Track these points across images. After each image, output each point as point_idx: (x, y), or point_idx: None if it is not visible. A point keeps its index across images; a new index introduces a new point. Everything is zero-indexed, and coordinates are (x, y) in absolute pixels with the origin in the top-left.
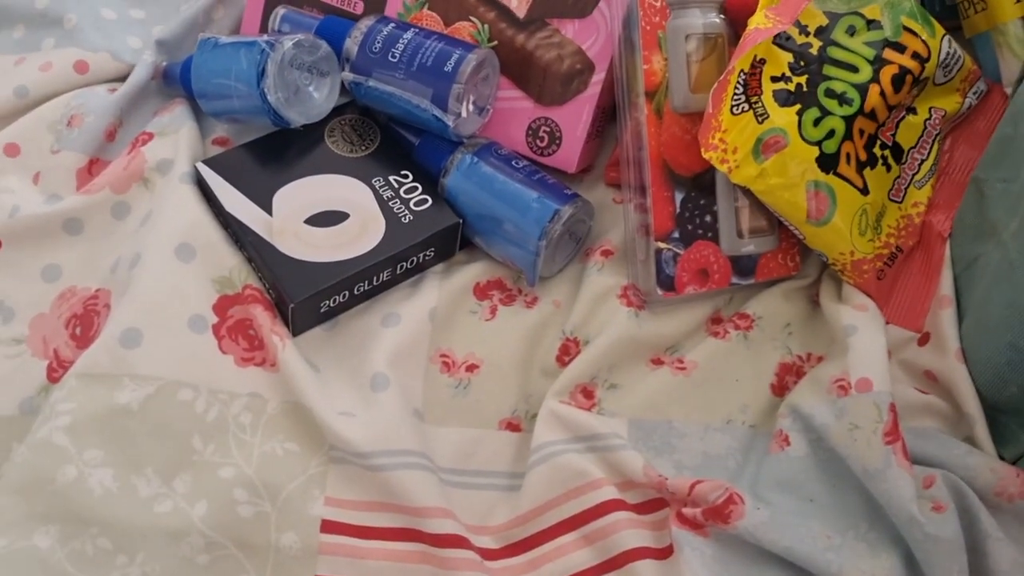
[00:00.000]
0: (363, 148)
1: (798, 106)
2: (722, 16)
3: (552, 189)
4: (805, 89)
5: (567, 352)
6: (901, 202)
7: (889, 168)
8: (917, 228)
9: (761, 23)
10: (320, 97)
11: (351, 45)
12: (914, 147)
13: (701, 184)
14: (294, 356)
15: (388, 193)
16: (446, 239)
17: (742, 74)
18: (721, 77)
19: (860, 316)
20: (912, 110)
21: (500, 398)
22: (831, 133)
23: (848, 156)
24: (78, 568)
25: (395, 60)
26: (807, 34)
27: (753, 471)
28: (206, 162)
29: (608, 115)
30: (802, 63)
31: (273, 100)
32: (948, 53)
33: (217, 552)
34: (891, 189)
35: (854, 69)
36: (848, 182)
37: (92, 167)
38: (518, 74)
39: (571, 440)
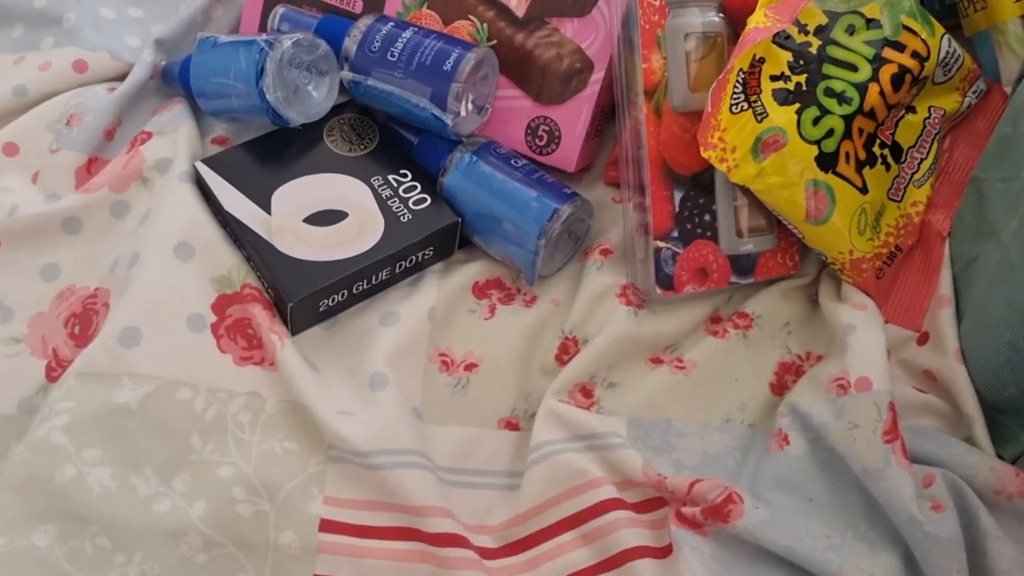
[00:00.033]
0: (362, 147)
1: (797, 105)
2: (721, 15)
3: (551, 188)
4: (804, 88)
5: (566, 351)
6: (900, 201)
7: (888, 167)
8: (916, 227)
9: (760, 22)
10: (319, 96)
11: (350, 44)
12: (913, 146)
13: (700, 183)
14: (293, 355)
15: (387, 192)
16: (445, 238)
17: (741, 73)
18: (720, 76)
19: (859, 315)
20: (911, 109)
21: (499, 397)
22: (830, 132)
23: (847, 155)
24: (77, 567)
25: (394, 59)
26: (806, 33)
27: (752, 470)
28: (205, 161)
29: (607, 114)
30: (801, 62)
31: (272, 99)
32: (948, 52)
33: (216, 551)
34: (890, 188)
35: (853, 68)
36: (847, 181)
37: (91, 166)
38: (517, 73)
39: (570, 439)
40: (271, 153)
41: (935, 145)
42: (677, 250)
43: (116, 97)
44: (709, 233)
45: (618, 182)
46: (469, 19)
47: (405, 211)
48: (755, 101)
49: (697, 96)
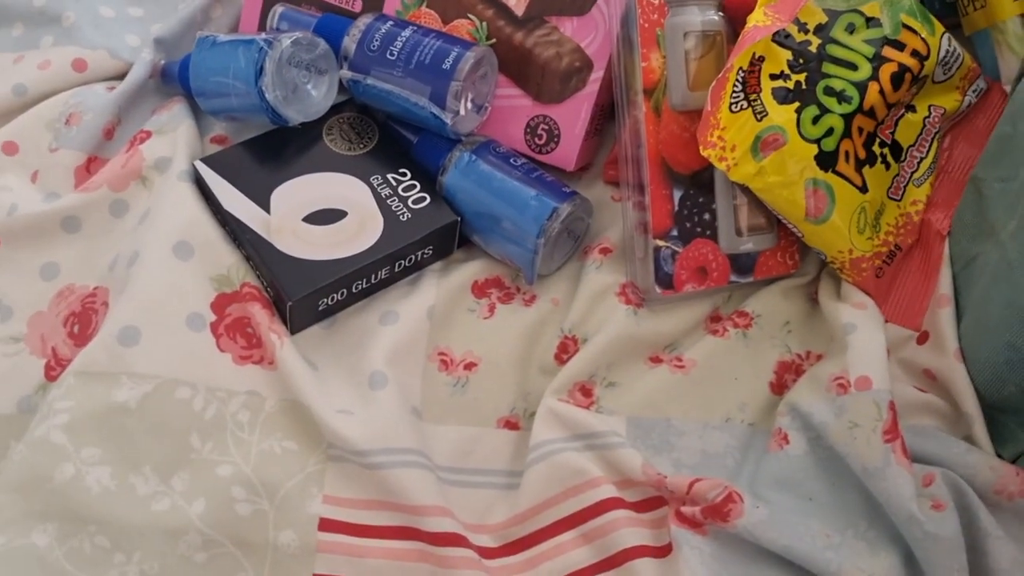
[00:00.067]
0: (361, 146)
1: (797, 104)
2: (720, 14)
3: (550, 187)
4: (804, 87)
5: (565, 350)
6: (900, 200)
7: (888, 166)
8: (916, 226)
9: (760, 20)
10: (318, 95)
11: (349, 43)
12: (913, 145)
13: (700, 182)
14: (292, 354)
15: (386, 191)
16: (444, 237)
17: (741, 72)
18: (720, 75)
19: (859, 314)
20: (911, 108)
21: (498, 396)
22: (830, 131)
23: (847, 154)
24: (76, 566)
25: (393, 58)
26: (806, 32)
27: (752, 469)
28: (204, 160)
29: (607, 113)
30: (801, 61)
31: (271, 98)
32: (948, 51)
33: (215, 550)
34: (890, 187)
35: (853, 67)
36: (847, 180)
37: (90, 165)
38: (516, 72)
39: (569, 438)
40: (270, 152)
41: (935, 144)
42: (677, 249)
43: (115, 96)
44: (709, 232)
45: (617, 181)
46: (468, 18)
47: (404, 210)
48: (755, 100)
49: (696, 95)
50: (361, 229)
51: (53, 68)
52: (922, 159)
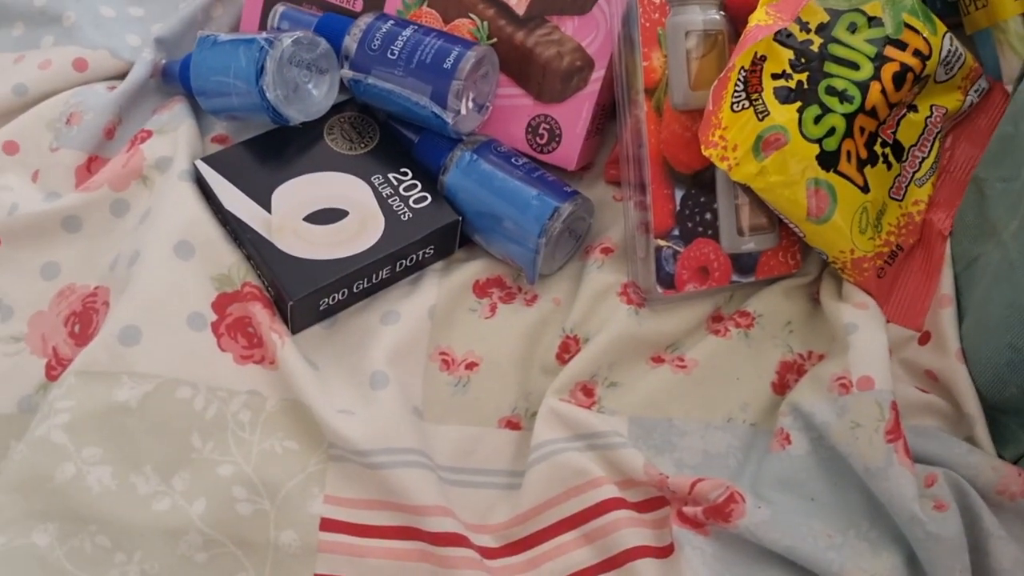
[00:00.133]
0: (362, 145)
1: (799, 103)
2: (722, 13)
3: (552, 186)
4: (806, 86)
5: (567, 350)
6: (902, 200)
7: (890, 166)
8: (918, 226)
9: (762, 20)
10: (319, 94)
11: (350, 42)
12: (915, 145)
13: (701, 181)
14: (293, 354)
15: (387, 190)
16: (445, 237)
17: (742, 71)
18: (721, 74)
19: (861, 314)
20: (913, 108)
21: (500, 396)
22: (832, 131)
23: (849, 154)
24: (77, 566)
25: (394, 57)
26: (808, 31)
27: (754, 470)
28: (205, 159)
29: (608, 112)
30: (803, 60)
31: (272, 97)
32: (949, 51)
33: (216, 550)
34: (892, 187)
35: (855, 66)
36: (848, 180)
37: (91, 165)
38: (518, 71)
39: (571, 438)
40: (271, 151)
41: (936, 144)
42: (678, 249)
43: (116, 96)
44: (710, 232)
45: (619, 180)
46: (469, 17)
47: (405, 209)
48: (756, 99)
49: (698, 94)
50: (362, 229)
51: (54, 68)
52: (924, 159)
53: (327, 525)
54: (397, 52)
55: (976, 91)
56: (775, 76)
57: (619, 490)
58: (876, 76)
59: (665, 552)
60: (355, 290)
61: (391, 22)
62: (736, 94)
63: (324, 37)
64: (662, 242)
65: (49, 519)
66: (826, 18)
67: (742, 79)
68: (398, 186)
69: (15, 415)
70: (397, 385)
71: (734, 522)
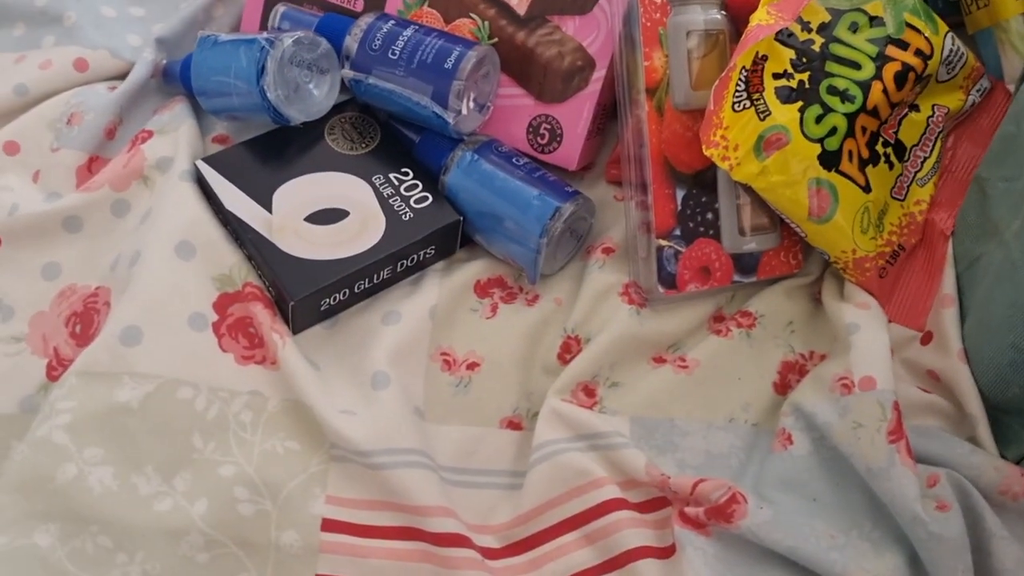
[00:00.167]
0: (363, 146)
1: (800, 103)
2: (723, 12)
3: (553, 186)
4: (807, 86)
5: (568, 350)
6: (903, 200)
7: (892, 166)
8: (919, 226)
9: (763, 19)
10: (320, 94)
11: (351, 42)
12: (917, 144)
13: (702, 181)
14: (294, 354)
15: (388, 191)
16: (446, 237)
17: (744, 71)
18: (723, 74)
19: (862, 314)
20: (915, 107)
21: (501, 396)
22: (833, 130)
23: (850, 153)
24: (78, 566)
25: (395, 57)
26: (809, 31)
27: (756, 470)
28: (206, 160)
29: (609, 112)
30: (804, 60)
31: (273, 97)
32: (951, 50)
33: (217, 550)
34: (893, 187)
35: (856, 66)
36: (850, 180)
37: (92, 165)
38: (519, 71)
39: (573, 439)
40: (272, 152)
41: (938, 143)
42: (679, 248)
43: (117, 96)
44: (712, 231)
45: (620, 180)
46: (470, 17)
47: (406, 210)
48: (758, 99)
49: (699, 94)
50: (363, 229)
51: (54, 68)
52: (926, 158)
53: (329, 525)
54: (398, 52)
55: (978, 90)
56: (776, 76)
57: (621, 490)
58: (878, 76)
59: (667, 553)
60: (356, 290)
61: (392, 22)
62: (737, 94)
63: (325, 37)
64: (663, 242)
65: (50, 519)
66: (827, 18)
67: (743, 79)
68: (399, 186)
69: (16, 415)
70: (398, 385)
71: (736, 523)
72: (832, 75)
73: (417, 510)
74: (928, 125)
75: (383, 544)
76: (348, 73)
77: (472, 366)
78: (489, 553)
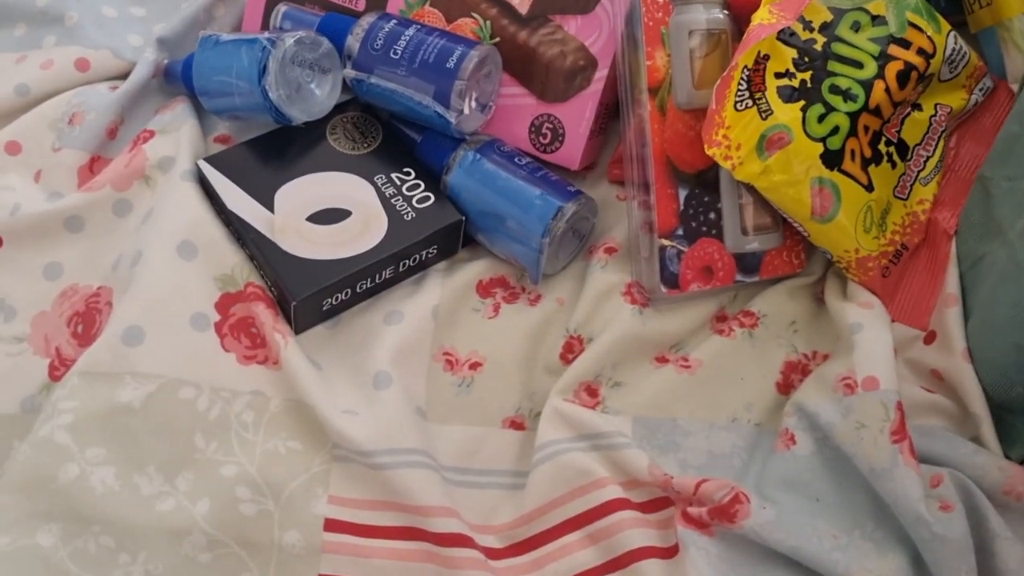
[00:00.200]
0: (365, 145)
1: (802, 102)
2: (725, 12)
3: (555, 186)
4: (809, 85)
5: (571, 350)
6: (906, 199)
7: (894, 165)
8: (922, 225)
9: (765, 19)
10: (322, 94)
11: (353, 42)
12: (919, 144)
13: (705, 181)
14: (296, 354)
15: (390, 190)
16: (449, 236)
17: (746, 70)
18: (725, 73)
19: (865, 314)
20: (917, 106)
21: (503, 396)
22: (836, 129)
23: (853, 153)
24: (80, 567)
25: (397, 57)
26: (811, 30)
27: (759, 470)
28: (208, 159)
29: (611, 112)
30: (806, 59)
31: (275, 97)
32: (954, 49)
33: (219, 550)
34: (896, 186)
35: (859, 65)
36: (853, 179)
37: (93, 165)
38: (521, 71)
39: (575, 438)
40: (274, 151)
41: (941, 143)
42: (682, 248)
43: (118, 96)
44: (714, 231)
45: (622, 180)
46: (472, 17)
47: (408, 209)
48: (760, 98)
49: (701, 93)
50: (365, 228)
51: (56, 68)
52: (928, 158)
53: (331, 525)
54: (400, 52)
55: (981, 90)
56: (778, 75)
57: (623, 490)
58: (880, 75)
59: (670, 553)
60: (358, 290)
61: (394, 22)
62: (739, 93)
63: (326, 37)
64: (666, 242)
65: (53, 520)
66: (829, 17)
67: (745, 78)
68: (401, 186)
69: (18, 415)
70: (400, 385)
71: (739, 522)
72: (834, 74)
73: (419, 510)
74: (931, 124)
75: (385, 544)
76: (350, 73)
77: (474, 366)
78: (492, 553)
